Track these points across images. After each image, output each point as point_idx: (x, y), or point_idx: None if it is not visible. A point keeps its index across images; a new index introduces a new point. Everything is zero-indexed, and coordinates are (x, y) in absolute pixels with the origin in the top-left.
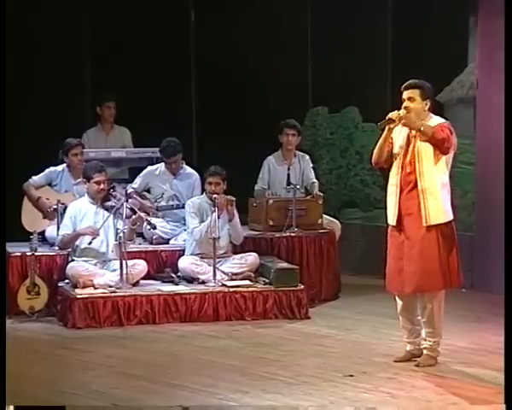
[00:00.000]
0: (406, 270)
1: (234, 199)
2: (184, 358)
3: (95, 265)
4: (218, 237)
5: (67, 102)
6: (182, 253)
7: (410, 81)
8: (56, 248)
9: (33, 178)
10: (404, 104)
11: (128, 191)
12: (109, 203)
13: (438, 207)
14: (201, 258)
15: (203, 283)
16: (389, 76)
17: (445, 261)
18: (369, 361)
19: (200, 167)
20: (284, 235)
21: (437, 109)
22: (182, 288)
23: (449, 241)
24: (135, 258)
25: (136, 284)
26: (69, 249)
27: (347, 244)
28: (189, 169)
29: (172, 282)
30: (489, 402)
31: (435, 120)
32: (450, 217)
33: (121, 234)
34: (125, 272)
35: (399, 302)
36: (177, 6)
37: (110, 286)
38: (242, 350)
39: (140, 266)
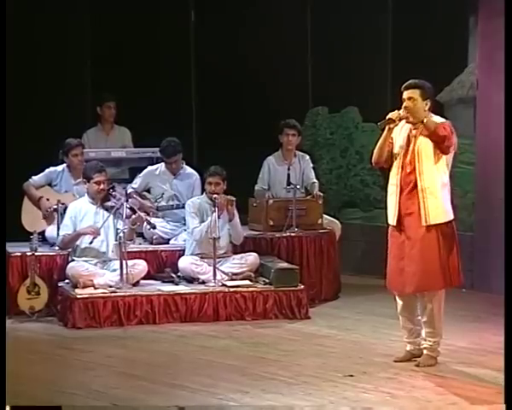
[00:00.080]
0: (407, 270)
1: (234, 199)
2: (184, 358)
3: (95, 265)
4: (219, 237)
5: (67, 102)
6: (182, 253)
7: (410, 81)
8: (56, 248)
9: (33, 178)
10: (405, 104)
11: (128, 191)
12: (109, 203)
13: (438, 206)
14: (201, 258)
15: (203, 283)
16: (389, 76)
17: (446, 261)
18: (369, 361)
19: (200, 167)
20: (284, 235)
21: (437, 109)
22: (182, 288)
23: (449, 240)
24: (135, 258)
25: (136, 284)
26: (69, 249)
27: (347, 244)
28: (189, 169)
29: (172, 282)
30: (489, 402)
31: (436, 120)
32: (451, 217)
33: (121, 234)
34: (125, 272)
35: (399, 302)
36: (177, 6)
37: (110, 286)
38: (242, 350)
39: (140, 266)
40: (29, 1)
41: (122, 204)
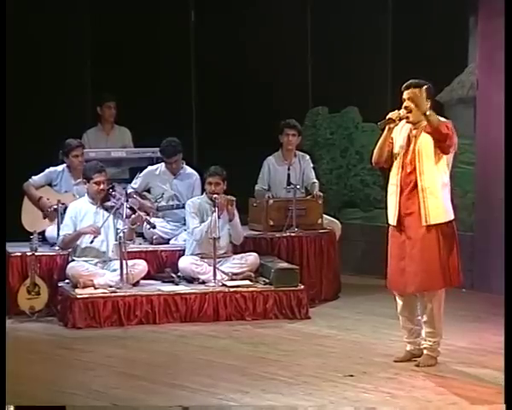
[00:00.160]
0: (408, 270)
1: (234, 199)
2: (184, 358)
3: (95, 265)
4: (219, 237)
5: (67, 102)
6: (182, 253)
7: (410, 81)
8: (56, 248)
9: (33, 178)
10: (405, 104)
11: (128, 191)
12: (109, 203)
13: (438, 206)
14: (202, 258)
15: (203, 283)
16: (389, 76)
17: (446, 261)
18: (369, 361)
19: (200, 167)
20: (284, 235)
21: (437, 109)
22: (182, 288)
23: (449, 240)
24: (135, 258)
25: (136, 284)
26: (69, 249)
27: (347, 244)
28: (189, 169)
29: (172, 282)
30: (489, 402)
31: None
32: (451, 217)
33: (121, 234)
34: (125, 272)
35: (399, 302)
36: (177, 6)
37: (110, 286)
38: (242, 350)
39: (140, 266)
40: (29, 1)
41: (122, 204)
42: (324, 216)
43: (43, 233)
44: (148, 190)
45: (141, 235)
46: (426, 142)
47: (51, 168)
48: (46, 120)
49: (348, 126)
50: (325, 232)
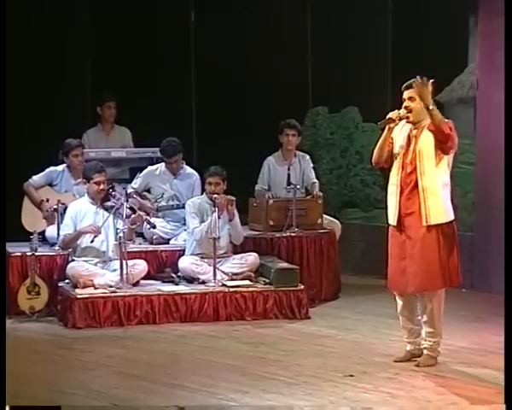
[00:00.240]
0: (408, 270)
1: (234, 199)
2: (184, 358)
3: (95, 265)
4: (219, 237)
5: (67, 102)
6: (182, 253)
7: (410, 81)
8: (56, 248)
9: (33, 177)
10: (405, 104)
11: (128, 191)
12: (109, 203)
13: (438, 206)
14: (202, 258)
15: (203, 283)
16: (389, 76)
17: (446, 261)
18: (369, 361)
19: (200, 167)
20: (284, 235)
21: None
22: (182, 288)
23: (449, 241)
24: (135, 258)
25: (136, 284)
26: (70, 249)
27: (347, 244)
28: (189, 169)
29: (172, 282)
30: (489, 402)
31: None
32: (451, 217)
33: (121, 234)
34: (125, 272)
35: (399, 302)
36: (177, 6)
37: (110, 286)
38: (242, 350)
39: (140, 266)
40: (29, 1)
41: (122, 204)
42: (324, 216)
43: (43, 233)
44: (148, 190)
45: (141, 235)
46: (426, 142)
47: (51, 168)
48: (46, 120)
49: (348, 126)
50: (325, 232)
